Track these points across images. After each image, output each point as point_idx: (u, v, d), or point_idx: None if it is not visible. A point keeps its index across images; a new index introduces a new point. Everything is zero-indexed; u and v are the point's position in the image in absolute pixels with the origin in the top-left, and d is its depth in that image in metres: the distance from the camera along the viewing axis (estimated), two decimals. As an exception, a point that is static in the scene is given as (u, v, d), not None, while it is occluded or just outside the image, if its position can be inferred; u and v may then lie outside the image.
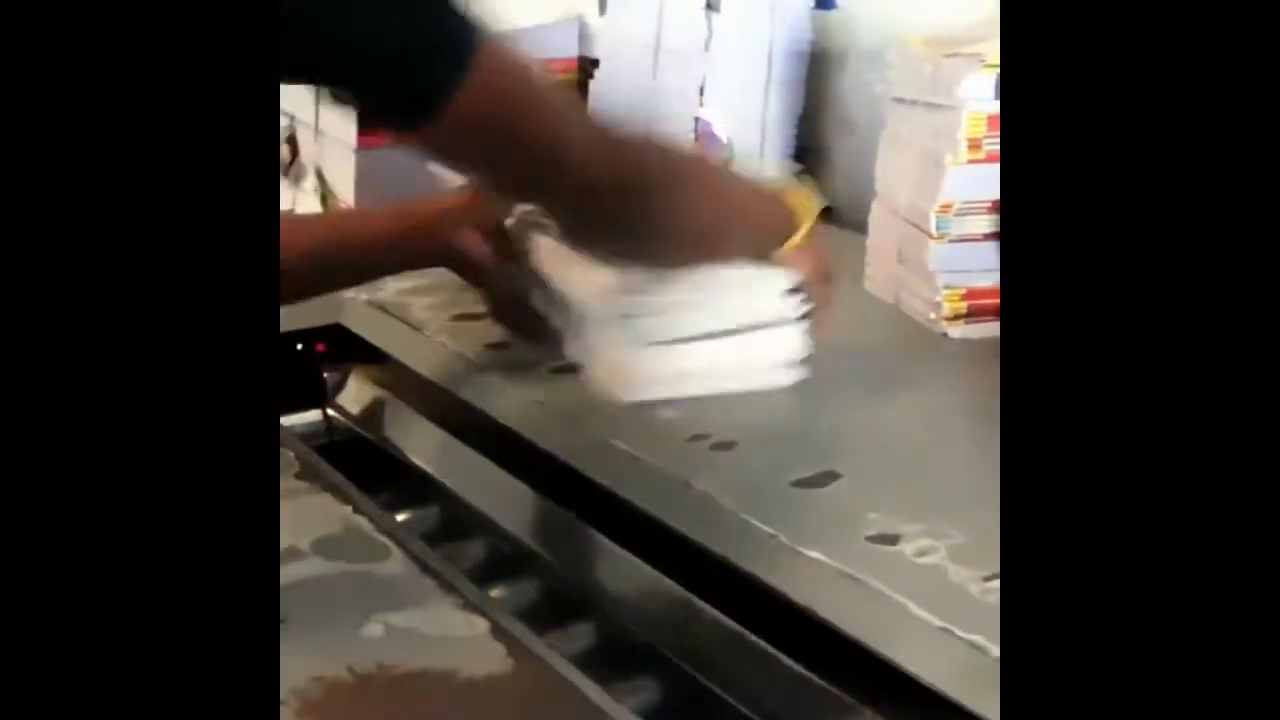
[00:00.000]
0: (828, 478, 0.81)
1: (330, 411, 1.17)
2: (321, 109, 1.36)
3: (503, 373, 0.96)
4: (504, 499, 0.92)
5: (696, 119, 1.40)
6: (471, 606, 0.71)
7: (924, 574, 0.69)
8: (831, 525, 0.75)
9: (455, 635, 0.69)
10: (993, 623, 0.66)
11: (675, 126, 1.37)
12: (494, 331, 1.00)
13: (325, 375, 1.18)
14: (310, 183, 1.41)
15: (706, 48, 1.38)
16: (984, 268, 1.08)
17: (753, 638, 0.73)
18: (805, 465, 0.81)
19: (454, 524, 0.97)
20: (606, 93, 1.33)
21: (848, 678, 0.68)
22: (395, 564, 0.77)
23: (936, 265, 1.07)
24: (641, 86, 1.35)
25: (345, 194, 1.35)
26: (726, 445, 0.85)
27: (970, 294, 1.07)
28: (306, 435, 1.12)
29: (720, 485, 0.79)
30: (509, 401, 0.93)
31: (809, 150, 1.48)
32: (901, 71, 1.13)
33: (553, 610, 0.84)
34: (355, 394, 1.17)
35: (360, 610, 0.71)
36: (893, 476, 0.81)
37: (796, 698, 0.70)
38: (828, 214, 1.39)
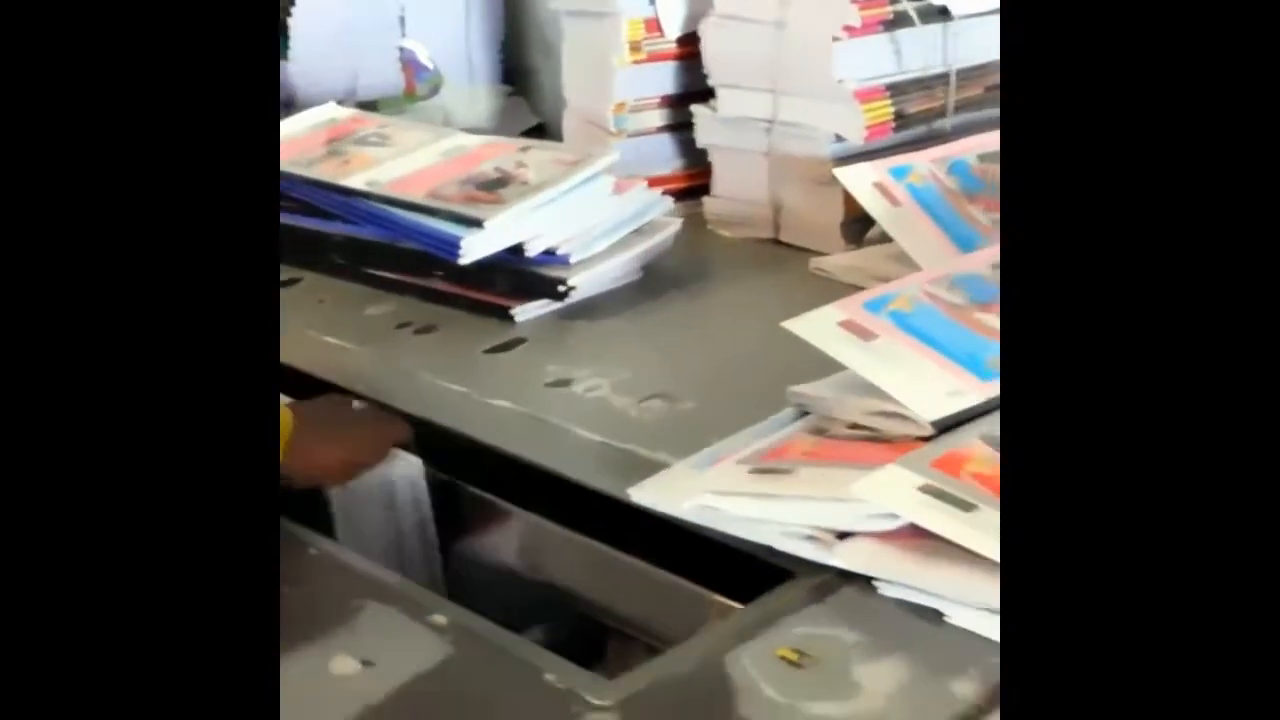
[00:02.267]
0: (515, 343, 0.92)
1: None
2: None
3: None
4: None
5: (401, 49, 1.48)
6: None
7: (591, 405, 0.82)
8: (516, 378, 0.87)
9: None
10: (646, 434, 0.79)
11: (379, 58, 1.45)
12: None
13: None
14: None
15: (403, -23, 1.46)
16: (660, 158, 1.21)
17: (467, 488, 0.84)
18: (495, 336, 0.93)
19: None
20: (306, 29, 1.40)
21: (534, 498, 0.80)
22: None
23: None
24: (341, 20, 1.43)
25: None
26: (426, 328, 0.96)
27: (650, 182, 1.19)
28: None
29: (422, 362, 0.90)
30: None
31: (516, 72, 1.58)
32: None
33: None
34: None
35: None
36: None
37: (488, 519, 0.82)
38: (540, 130, 1.49)
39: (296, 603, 0.64)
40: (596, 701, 0.56)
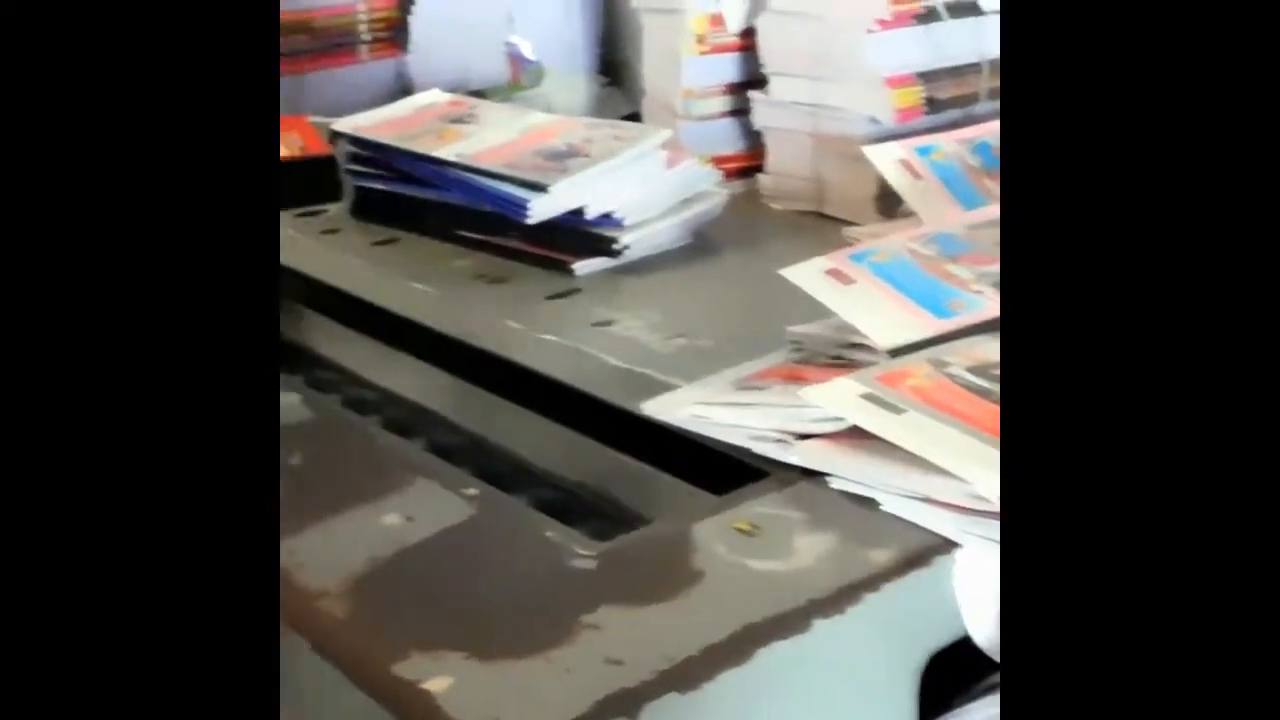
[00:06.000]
0: (572, 292, 1.07)
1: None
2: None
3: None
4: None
5: (507, 43, 1.65)
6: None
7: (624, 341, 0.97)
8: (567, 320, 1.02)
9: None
10: (666, 364, 0.92)
11: (488, 52, 1.62)
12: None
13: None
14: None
15: (512, -23, 1.63)
16: (724, 139, 1.35)
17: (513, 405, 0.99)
18: (556, 287, 1.08)
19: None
20: (424, 25, 1.57)
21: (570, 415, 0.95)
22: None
23: (685, 139, 1.34)
24: (455, 18, 1.60)
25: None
26: (499, 279, 1.11)
27: (715, 160, 1.32)
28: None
29: (491, 306, 1.05)
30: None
31: (612, 65, 1.73)
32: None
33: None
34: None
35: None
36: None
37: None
38: (634, 118, 1.64)
39: (362, 477, 0.80)
40: (583, 552, 0.70)
